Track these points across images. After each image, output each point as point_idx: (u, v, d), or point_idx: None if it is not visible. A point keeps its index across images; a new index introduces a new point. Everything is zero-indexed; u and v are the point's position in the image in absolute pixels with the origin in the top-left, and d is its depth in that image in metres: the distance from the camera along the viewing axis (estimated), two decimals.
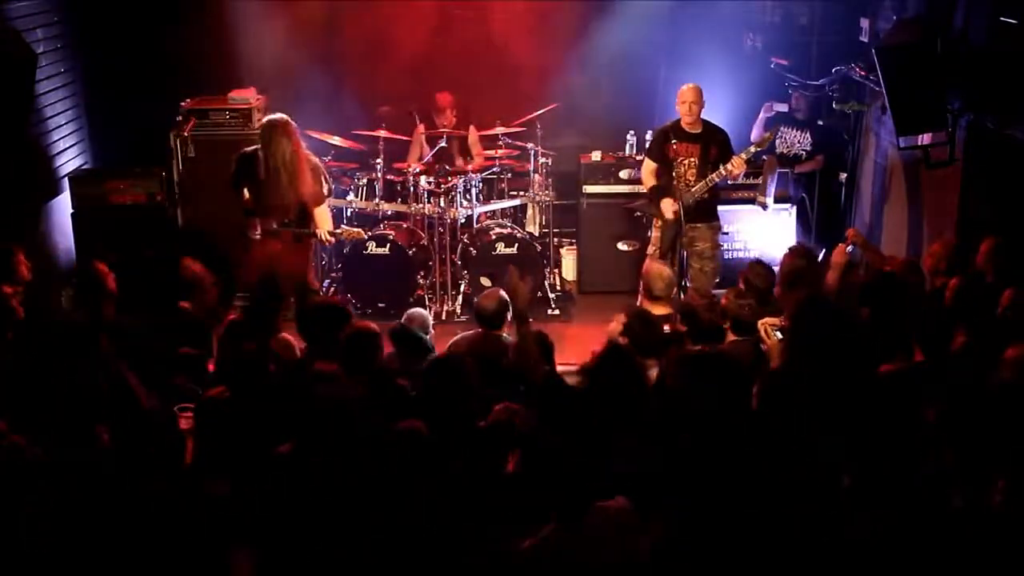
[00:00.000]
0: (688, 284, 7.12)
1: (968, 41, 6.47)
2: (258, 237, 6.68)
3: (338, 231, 6.87)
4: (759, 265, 5.92)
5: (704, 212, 7.09)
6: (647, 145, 7.41)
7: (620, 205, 8.32)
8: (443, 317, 8.03)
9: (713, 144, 7.04)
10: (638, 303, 7.06)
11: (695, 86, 7.03)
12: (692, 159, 7.00)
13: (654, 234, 7.29)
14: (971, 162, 6.48)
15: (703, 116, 7.07)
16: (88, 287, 5.40)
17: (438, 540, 3.54)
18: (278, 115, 6.58)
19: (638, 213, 7.52)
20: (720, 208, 7.51)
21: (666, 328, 5.43)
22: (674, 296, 5.97)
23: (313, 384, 4.16)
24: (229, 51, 8.39)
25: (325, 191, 6.84)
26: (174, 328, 5.34)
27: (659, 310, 5.61)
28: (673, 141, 7.05)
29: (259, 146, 6.53)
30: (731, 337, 5.29)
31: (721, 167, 6.92)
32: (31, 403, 4.17)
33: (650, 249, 7.30)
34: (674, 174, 7.06)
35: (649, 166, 7.28)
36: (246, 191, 6.70)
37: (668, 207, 6.97)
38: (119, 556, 3.52)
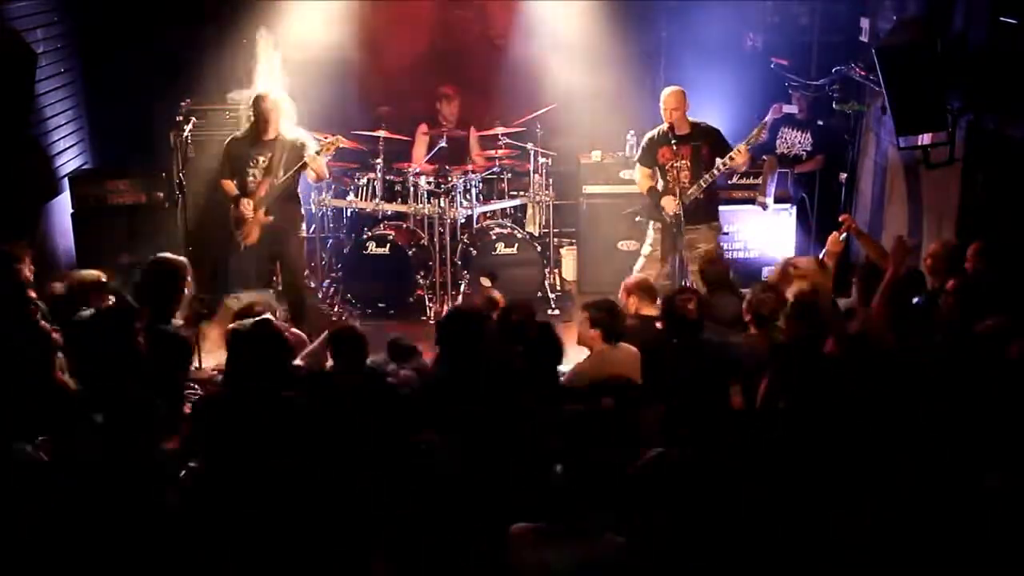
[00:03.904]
0: (688, 286, 7.10)
1: (968, 41, 6.47)
2: (250, 216, 6.98)
3: (317, 147, 7.08)
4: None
5: (704, 213, 7.07)
6: (638, 152, 7.34)
7: (620, 205, 8.31)
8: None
9: (704, 143, 7.01)
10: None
11: (677, 90, 6.98)
12: (684, 161, 6.96)
13: (652, 235, 7.26)
14: (971, 162, 6.48)
15: (692, 117, 7.02)
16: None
17: None
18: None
19: (639, 218, 7.50)
20: (720, 208, 7.48)
21: (658, 325, 5.51)
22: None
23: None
24: (229, 51, 8.39)
25: (315, 146, 7.08)
26: None
27: (647, 311, 5.72)
28: (662, 146, 7.03)
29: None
30: (753, 331, 5.29)
31: (719, 163, 6.89)
32: None
33: (646, 249, 7.28)
34: (668, 178, 7.04)
35: (643, 171, 7.26)
36: (232, 182, 7.09)
37: (670, 204, 6.96)
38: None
